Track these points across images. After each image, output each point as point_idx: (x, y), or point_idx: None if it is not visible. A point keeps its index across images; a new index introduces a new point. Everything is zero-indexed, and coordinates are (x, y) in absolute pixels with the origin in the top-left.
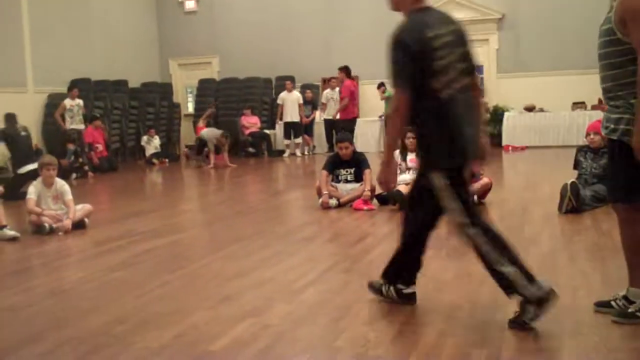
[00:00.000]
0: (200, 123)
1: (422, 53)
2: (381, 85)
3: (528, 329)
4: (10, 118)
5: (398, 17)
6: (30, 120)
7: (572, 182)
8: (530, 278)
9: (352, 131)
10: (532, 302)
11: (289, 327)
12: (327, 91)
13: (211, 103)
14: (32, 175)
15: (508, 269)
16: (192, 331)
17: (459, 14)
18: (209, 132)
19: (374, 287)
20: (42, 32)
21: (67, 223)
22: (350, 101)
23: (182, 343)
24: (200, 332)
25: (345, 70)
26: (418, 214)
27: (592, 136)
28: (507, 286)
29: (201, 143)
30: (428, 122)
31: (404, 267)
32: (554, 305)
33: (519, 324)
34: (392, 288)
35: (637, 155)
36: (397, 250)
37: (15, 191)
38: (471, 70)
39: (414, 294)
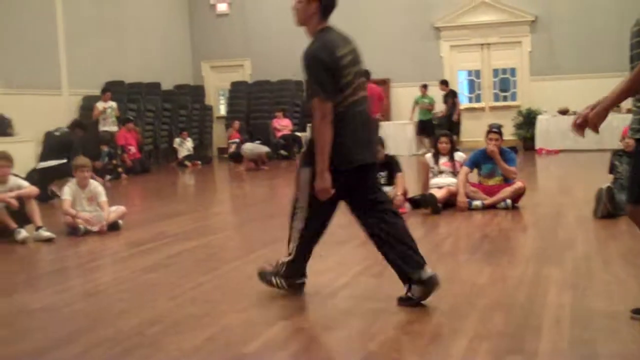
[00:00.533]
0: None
1: (334, 70)
2: (425, 86)
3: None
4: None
5: (428, 20)
6: (64, 122)
7: (608, 187)
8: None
9: None
10: None
11: (321, 331)
12: None
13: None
14: (50, 171)
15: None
16: (224, 333)
17: (491, 16)
18: (252, 149)
19: (264, 277)
20: (76, 35)
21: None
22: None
23: (215, 345)
24: (232, 334)
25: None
26: (317, 210)
27: (627, 140)
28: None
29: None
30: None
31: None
32: None
33: None
34: (282, 279)
35: None
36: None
37: (41, 191)
38: (365, 85)
39: (303, 284)
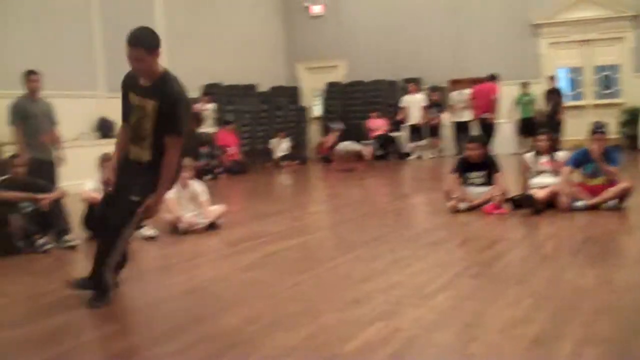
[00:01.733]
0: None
1: None
2: (526, 84)
3: None
4: None
5: (526, 18)
6: None
7: None
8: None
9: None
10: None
11: (420, 332)
12: (455, 93)
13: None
14: None
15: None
16: (322, 333)
17: (591, 12)
18: (347, 146)
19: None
20: (176, 40)
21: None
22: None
23: (312, 345)
24: (330, 334)
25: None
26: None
27: None
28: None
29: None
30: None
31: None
32: None
33: None
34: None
35: None
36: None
37: None
38: None
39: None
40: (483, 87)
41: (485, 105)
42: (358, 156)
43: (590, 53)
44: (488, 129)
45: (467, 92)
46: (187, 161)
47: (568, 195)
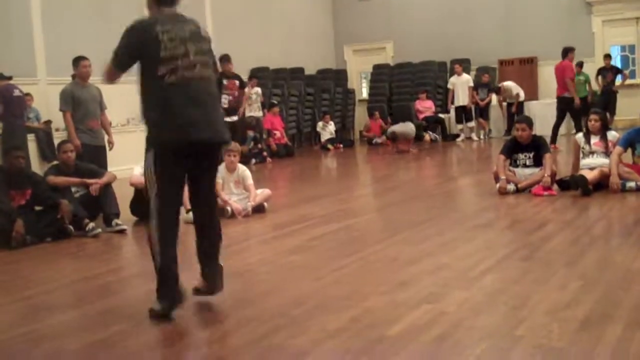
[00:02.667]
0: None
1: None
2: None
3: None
4: None
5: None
6: None
7: None
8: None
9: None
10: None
11: (467, 315)
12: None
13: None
14: None
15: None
16: (367, 315)
17: None
18: (402, 128)
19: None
20: (225, 24)
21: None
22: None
23: (358, 327)
24: (375, 316)
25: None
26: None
27: None
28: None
29: (393, 137)
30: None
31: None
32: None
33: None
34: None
35: None
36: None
37: None
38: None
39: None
40: (559, 65)
41: (564, 84)
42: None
43: None
44: (568, 109)
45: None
46: (234, 146)
47: (619, 175)
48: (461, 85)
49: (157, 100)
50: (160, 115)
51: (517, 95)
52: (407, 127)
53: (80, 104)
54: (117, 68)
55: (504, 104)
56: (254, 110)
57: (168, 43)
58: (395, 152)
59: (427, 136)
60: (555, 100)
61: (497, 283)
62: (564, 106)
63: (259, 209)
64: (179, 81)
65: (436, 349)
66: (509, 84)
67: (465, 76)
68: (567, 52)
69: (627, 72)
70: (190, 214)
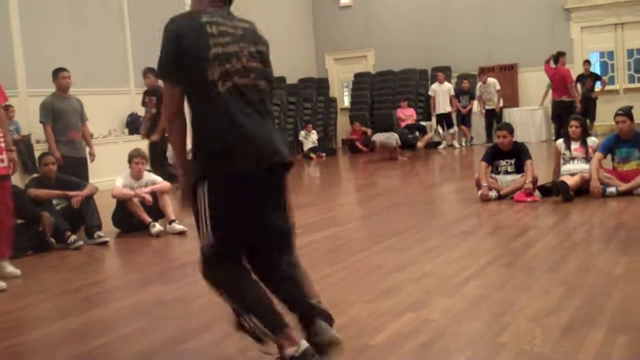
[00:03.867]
0: None
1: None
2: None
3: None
4: None
5: (557, 2)
6: None
7: None
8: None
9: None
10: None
11: (450, 322)
12: (480, 84)
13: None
14: None
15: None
16: (352, 324)
17: None
18: (383, 138)
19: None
20: None
21: None
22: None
23: (343, 336)
24: (360, 325)
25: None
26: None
27: None
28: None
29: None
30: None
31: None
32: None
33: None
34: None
35: None
36: None
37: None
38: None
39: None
40: (557, 71)
41: (563, 89)
42: (393, 148)
43: (622, 37)
44: (567, 112)
45: (492, 81)
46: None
47: (599, 181)
48: (442, 94)
49: (211, 116)
50: (221, 134)
51: (499, 92)
52: (391, 138)
53: (60, 116)
54: (167, 80)
55: (483, 110)
56: None
57: (219, 38)
58: (383, 159)
59: (430, 135)
60: (538, 107)
61: (480, 290)
62: (562, 110)
63: None
64: (232, 90)
65: (420, 357)
66: (491, 79)
67: (446, 84)
68: (558, 57)
69: (605, 78)
70: (174, 224)
